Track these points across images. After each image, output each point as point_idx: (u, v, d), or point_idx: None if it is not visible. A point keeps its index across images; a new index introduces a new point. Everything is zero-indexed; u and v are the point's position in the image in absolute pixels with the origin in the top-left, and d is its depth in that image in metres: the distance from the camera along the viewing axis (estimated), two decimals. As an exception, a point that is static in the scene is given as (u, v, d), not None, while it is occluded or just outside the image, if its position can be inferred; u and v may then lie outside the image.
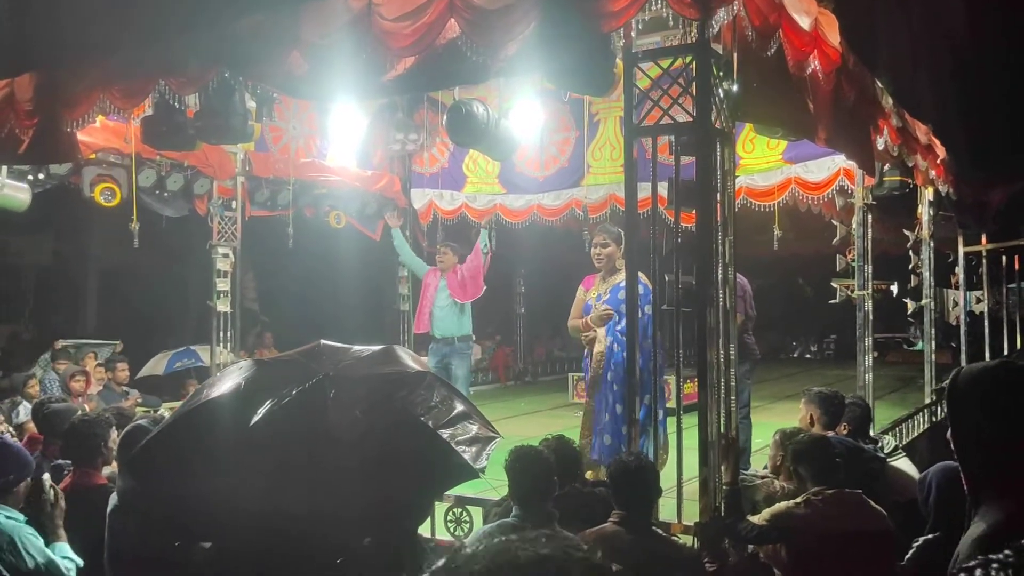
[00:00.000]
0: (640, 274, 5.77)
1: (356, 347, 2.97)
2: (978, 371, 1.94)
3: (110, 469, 4.39)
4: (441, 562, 1.00)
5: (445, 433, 2.64)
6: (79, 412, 5.42)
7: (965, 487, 1.90)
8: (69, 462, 4.48)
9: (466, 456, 2.62)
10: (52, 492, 3.72)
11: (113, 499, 3.76)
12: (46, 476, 3.83)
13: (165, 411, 8.54)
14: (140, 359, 10.73)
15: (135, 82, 5.45)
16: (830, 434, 4.53)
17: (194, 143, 6.58)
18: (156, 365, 11.09)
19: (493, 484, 3.78)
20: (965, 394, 1.89)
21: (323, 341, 3.02)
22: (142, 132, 6.55)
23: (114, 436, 4.32)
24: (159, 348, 11.39)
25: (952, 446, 1.92)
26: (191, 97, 5.87)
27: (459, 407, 2.76)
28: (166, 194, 8.51)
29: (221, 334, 8.88)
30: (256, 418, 2.46)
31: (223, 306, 8.85)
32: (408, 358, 3.02)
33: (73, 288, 12.73)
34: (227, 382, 2.81)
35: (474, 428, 2.68)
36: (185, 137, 6.37)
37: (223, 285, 8.84)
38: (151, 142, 6.68)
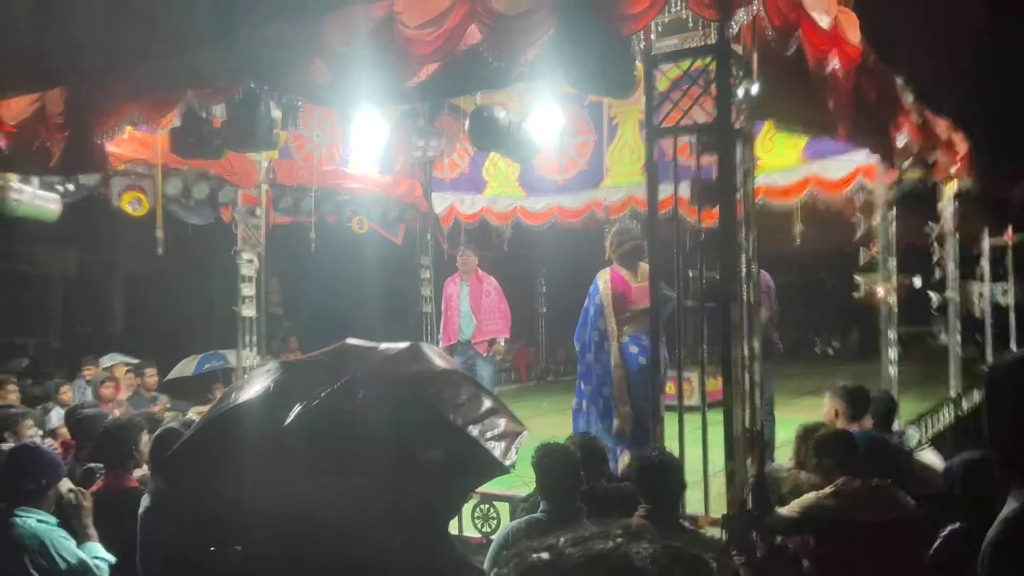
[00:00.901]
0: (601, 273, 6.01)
1: (383, 345, 2.97)
2: (1018, 358, 1.98)
3: (141, 471, 4.49)
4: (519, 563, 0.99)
5: (474, 430, 2.66)
6: (110, 417, 5.54)
7: (999, 472, 1.94)
8: (101, 465, 4.59)
9: (495, 452, 2.64)
10: (74, 495, 3.82)
11: (145, 500, 3.84)
12: (65, 480, 3.93)
13: (193, 415, 8.68)
14: (167, 365, 10.87)
15: (163, 94, 5.57)
16: (854, 427, 4.56)
17: (221, 152, 6.68)
18: (185, 367, 11.22)
19: (523, 479, 3.83)
20: (1004, 379, 1.93)
21: (349, 340, 3.02)
22: (170, 143, 6.66)
23: (145, 439, 4.43)
24: (185, 354, 11.52)
25: (988, 431, 1.95)
26: (218, 107, 5.98)
27: (487, 403, 2.77)
28: (192, 203, 8.62)
29: (247, 338, 8.98)
30: (288, 421, 2.49)
31: (248, 311, 8.96)
32: (435, 355, 3.03)
33: (100, 297, 12.93)
34: (255, 385, 2.81)
35: (502, 423, 2.70)
36: (212, 147, 6.47)
37: (248, 290, 8.95)
38: (179, 152, 6.79)
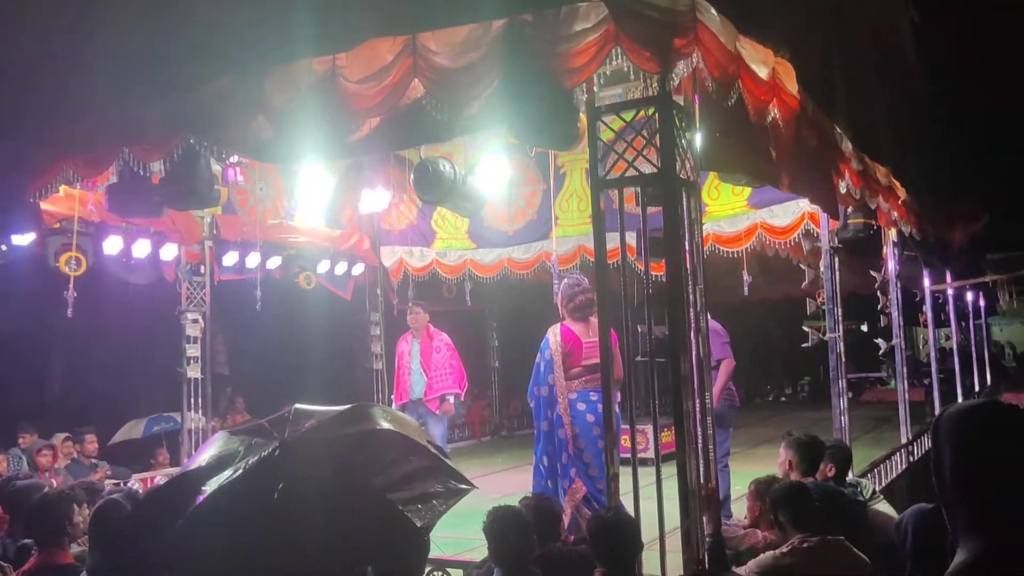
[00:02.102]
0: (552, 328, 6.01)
1: (325, 409, 2.92)
2: (962, 410, 1.97)
3: (78, 547, 4.26)
4: None
5: (394, 494, 2.59)
6: (45, 488, 5.27)
7: (947, 523, 1.92)
8: (32, 541, 4.35)
9: (416, 517, 2.57)
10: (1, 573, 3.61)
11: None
12: None
13: (135, 482, 8.35)
14: (109, 429, 10.47)
15: (99, 151, 5.43)
16: (808, 480, 4.50)
17: (160, 210, 6.52)
18: (132, 430, 10.82)
19: (472, 544, 3.69)
20: (948, 432, 1.92)
21: (297, 405, 2.97)
22: (107, 201, 6.49)
23: (79, 512, 4.21)
24: (128, 418, 11.13)
25: (935, 481, 1.93)
26: (156, 164, 5.83)
27: (415, 464, 2.72)
28: (132, 261, 8.41)
29: (192, 400, 8.72)
30: (211, 490, 2.42)
31: (194, 372, 8.72)
32: (380, 415, 2.98)
33: (39, 359, 12.46)
34: (201, 455, 2.79)
35: (432, 485, 2.66)
36: (151, 204, 6.31)
37: (193, 351, 8.72)
38: (116, 210, 6.61)
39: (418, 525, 2.54)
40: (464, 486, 2.71)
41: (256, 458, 2.51)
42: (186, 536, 2.41)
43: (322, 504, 2.46)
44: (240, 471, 2.48)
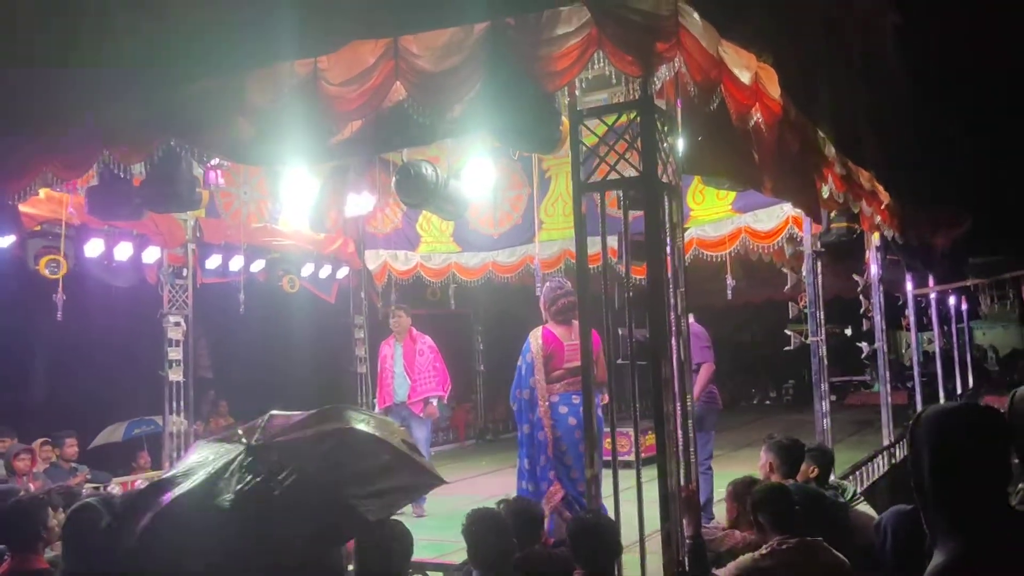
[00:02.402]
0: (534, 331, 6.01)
1: (300, 413, 2.95)
2: (940, 412, 1.98)
3: (52, 552, 4.21)
4: None
5: (351, 489, 2.64)
6: (21, 493, 5.21)
7: (924, 524, 1.92)
8: (4, 547, 4.31)
9: (368, 512, 2.61)
10: None
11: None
12: None
13: (115, 486, 8.28)
14: (90, 433, 10.39)
15: (78, 153, 5.38)
16: (789, 482, 4.51)
17: (141, 213, 6.48)
18: (112, 433, 10.74)
19: (452, 547, 3.68)
20: (926, 434, 1.93)
21: (273, 411, 2.99)
22: (87, 203, 6.44)
23: (56, 517, 4.16)
24: (109, 421, 11.04)
25: (912, 483, 1.94)
26: (136, 166, 5.79)
27: (383, 459, 2.78)
28: (114, 264, 8.35)
29: (175, 404, 8.68)
30: (175, 495, 2.45)
31: (176, 375, 8.68)
32: (350, 415, 3.04)
33: (18, 363, 12.36)
34: (178, 464, 2.94)
35: (395, 479, 2.71)
36: (131, 207, 6.27)
37: (175, 354, 8.68)
38: (97, 213, 6.56)
39: (370, 520, 2.60)
40: (430, 480, 2.78)
41: (222, 463, 2.54)
42: (148, 540, 2.43)
43: (281, 502, 2.49)
44: (203, 476, 2.51)
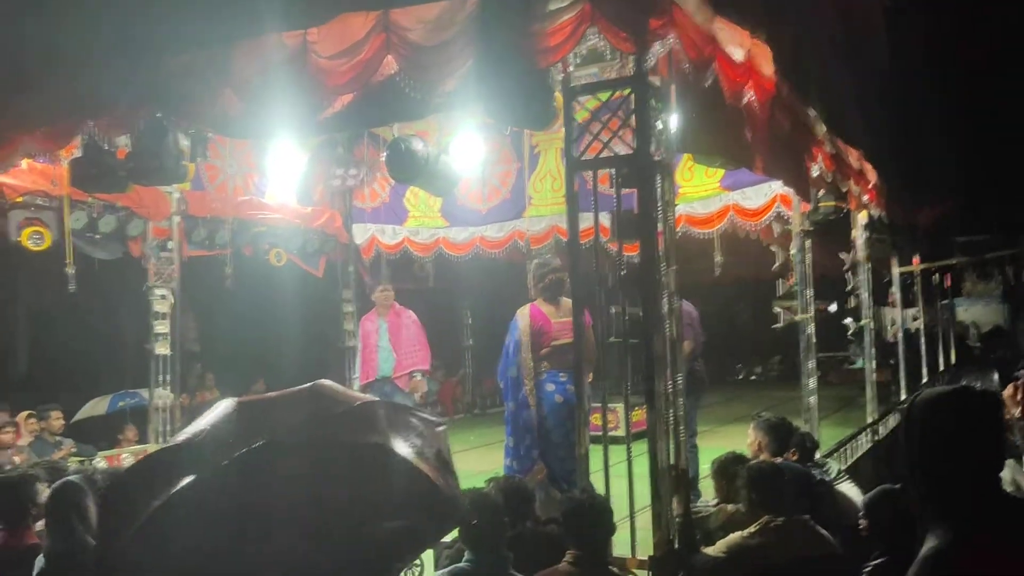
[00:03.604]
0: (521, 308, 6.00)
1: (342, 398, 2.72)
2: (933, 396, 1.97)
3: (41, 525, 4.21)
4: None
5: (385, 524, 2.44)
6: (7, 467, 5.19)
7: (918, 508, 1.93)
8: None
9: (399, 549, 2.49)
10: None
11: (40, 562, 3.59)
12: None
13: (101, 460, 8.25)
14: (74, 407, 10.33)
15: (60, 125, 5.31)
16: (779, 460, 4.55)
17: (126, 185, 6.39)
18: (96, 407, 10.68)
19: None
20: (919, 418, 1.93)
21: (322, 381, 2.73)
22: (71, 175, 6.36)
23: (43, 492, 4.15)
24: (94, 394, 10.99)
25: (907, 468, 1.94)
26: (122, 138, 5.71)
27: (411, 498, 2.57)
28: (98, 236, 8.25)
29: (161, 377, 8.64)
30: (191, 478, 2.32)
31: (162, 349, 8.62)
32: (389, 427, 2.65)
33: (2, 335, 12.27)
34: (199, 423, 2.60)
35: (422, 521, 2.54)
36: (116, 179, 6.18)
37: (161, 327, 8.62)
38: (80, 185, 6.48)
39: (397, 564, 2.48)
40: (449, 525, 2.63)
41: (246, 450, 2.38)
42: (157, 522, 2.32)
43: (299, 523, 2.34)
44: (227, 463, 2.36)
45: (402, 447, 2.53)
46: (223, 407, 2.61)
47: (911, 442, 1.96)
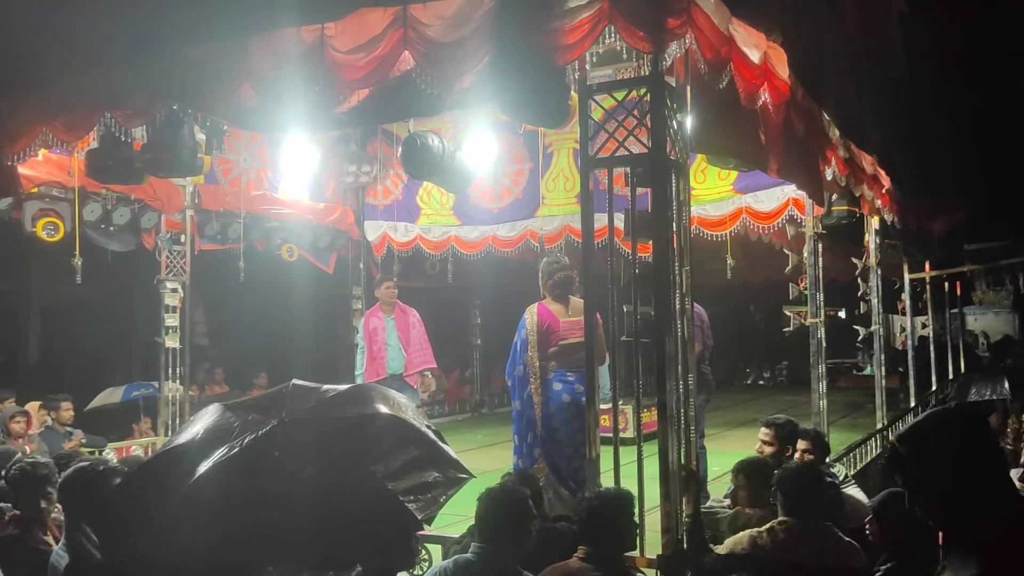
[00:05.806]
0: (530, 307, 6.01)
1: (325, 387, 2.84)
2: (946, 421, 1.97)
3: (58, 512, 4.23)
4: None
5: (394, 483, 2.51)
6: (17, 455, 5.21)
7: (939, 534, 1.92)
8: (10, 505, 4.31)
9: (415, 507, 2.51)
10: None
11: (63, 557, 3.58)
12: None
13: (110, 451, 8.29)
14: (86, 397, 10.39)
15: (79, 115, 5.32)
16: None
17: (141, 177, 6.42)
18: (110, 396, 10.71)
19: (450, 520, 3.68)
20: (937, 444, 1.93)
21: (295, 381, 2.88)
22: (87, 166, 6.39)
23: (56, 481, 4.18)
24: (104, 386, 11.04)
25: (924, 495, 1.93)
26: (138, 130, 5.74)
27: (415, 452, 2.63)
28: (112, 228, 8.30)
29: (171, 370, 8.67)
30: (203, 470, 2.35)
31: (172, 342, 8.66)
32: (378, 398, 2.86)
33: (14, 325, 12.34)
34: (191, 428, 2.71)
35: (431, 475, 2.57)
36: (132, 171, 6.21)
37: (172, 321, 8.65)
38: (96, 176, 6.51)
39: (419, 517, 2.49)
40: (462, 475, 2.65)
41: (253, 436, 2.44)
42: (179, 514, 2.35)
43: (320, 488, 2.39)
44: (236, 449, 2.41)
45: (385, 409, 2.70)
46: (211, 411, 2.74)
47: (924, 468, 1.94)
